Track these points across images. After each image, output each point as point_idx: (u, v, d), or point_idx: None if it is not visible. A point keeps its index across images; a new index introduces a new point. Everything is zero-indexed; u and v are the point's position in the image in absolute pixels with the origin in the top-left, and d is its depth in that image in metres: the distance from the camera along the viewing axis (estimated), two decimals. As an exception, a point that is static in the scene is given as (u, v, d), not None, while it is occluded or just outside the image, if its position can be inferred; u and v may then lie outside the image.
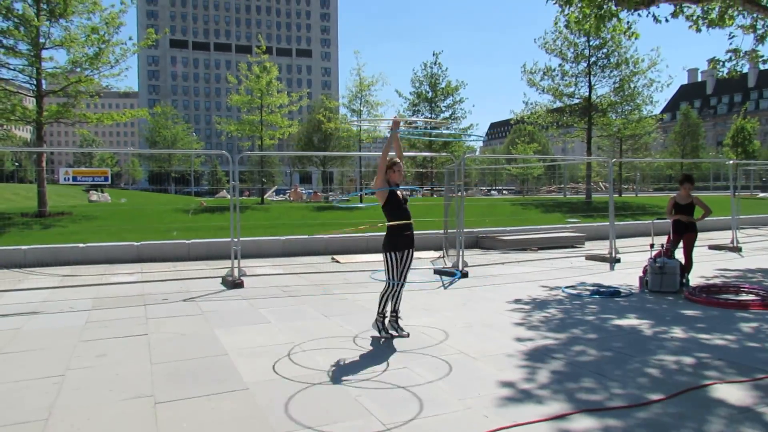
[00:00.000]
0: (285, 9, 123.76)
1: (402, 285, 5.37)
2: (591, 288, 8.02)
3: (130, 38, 17.11)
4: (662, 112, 41.46)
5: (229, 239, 9.44)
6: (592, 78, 26.20)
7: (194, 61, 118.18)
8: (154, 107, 44.53)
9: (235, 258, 8.65)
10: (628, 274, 9.20)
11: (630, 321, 6.06)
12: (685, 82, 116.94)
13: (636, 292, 7.74)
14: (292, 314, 6.56)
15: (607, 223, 11.78)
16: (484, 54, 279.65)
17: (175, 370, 4.50)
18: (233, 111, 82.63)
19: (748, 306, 6.59)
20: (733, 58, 11.50)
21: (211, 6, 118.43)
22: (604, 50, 25.89)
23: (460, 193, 9.86)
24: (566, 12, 10.66)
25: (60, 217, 16.00)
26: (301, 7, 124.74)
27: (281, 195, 47.85)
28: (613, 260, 10.73)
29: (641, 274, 8.00)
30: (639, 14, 10.12)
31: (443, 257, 11.02)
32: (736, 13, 10.63)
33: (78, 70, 16.56)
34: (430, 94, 31.76)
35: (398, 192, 5.34)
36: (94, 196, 31.16)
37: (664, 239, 8.30)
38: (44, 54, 16.24)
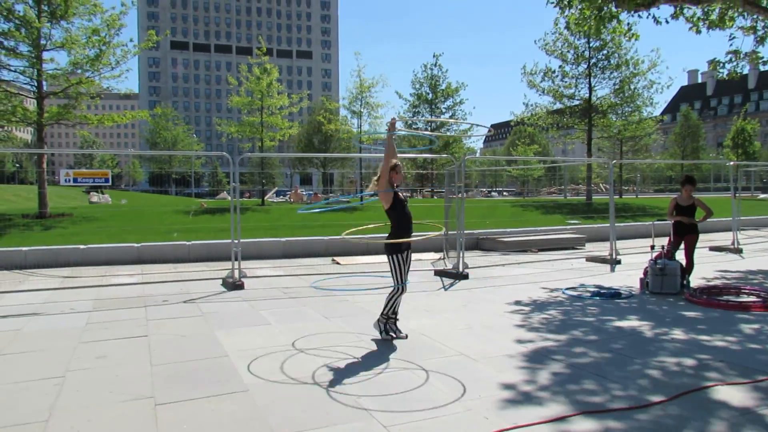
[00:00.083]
0: (285, 11, 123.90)
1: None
2: (591, 289, 8.01)
3: (131, 40, 17.16)
4: (662, 113, 41.57)
5: (229, 240, 9.45)
6: (592, 79, 26.24)
7: (195, 62, 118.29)
8: (154, 109, 44.48)
9: (236, 259, 8.65)
10: (628, 276, 9.19)
11: (630, 322, 6.06)
12: (686, 83, 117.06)
13: (636, 294, 7.73)
14: (293, 316, 6.56)
15: (608, 225, 11.78)
16: (484, 55, 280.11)
17: (176, 371, 4.50)
18: (234, 112, 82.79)
19: (749, 307, 6.58)
20: (733, 59, 11.50)
21: (211, 8, 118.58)
22: (605, 52, 25.93)
23: (460, 195, 9.86)
24: (566, 14, 10.67)
25: (60, 219, 16.02)
26: (301, 9, 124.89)
27: (282, 196, 47.87)
28: (613, 262, 10.73)
29: (642, 276, 8.00)
30: (639, 16, 10.12)
31: (444, 259, 11.02)
32: (736, 14, 10.64)
33: (79, 71, 16.60)
34: (431, 95, 31.78)
35: (399, 194, 5.38)
36: (95, 197, 31.18)
37: (664, 241, 8.29)
38: (45, 55, 16.28)
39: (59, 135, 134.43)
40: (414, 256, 9.70)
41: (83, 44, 16.18)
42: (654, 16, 10.10)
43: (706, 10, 10.57)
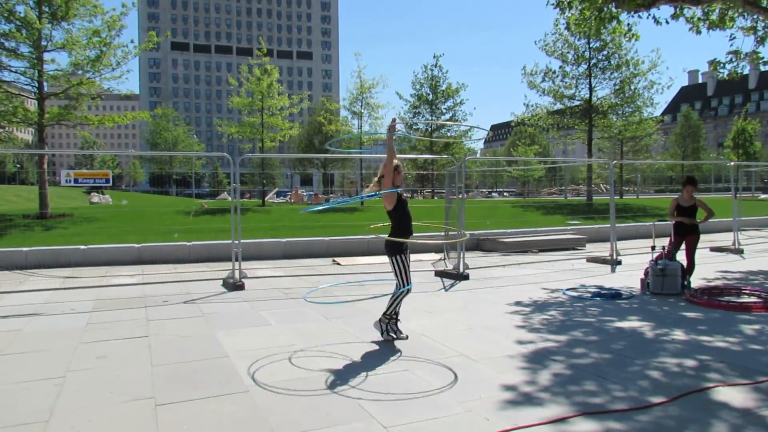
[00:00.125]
0: (286, 11, 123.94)
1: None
2: (592, 290, 8.01)
3: (132, 41, 17.15)
4: (663, 113, 41.57)
5: (230, 241, 9.45)
6: (592, 80, 26.23)
7: (195, 63, 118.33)
8: (155, 109, 44.57)
9: (236, 260, 8.65)
10: (629, 276, 9.19)
11: (631, 323, 6.05)
12: (686, 83, 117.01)
13: (637, 294, 7.72)
14: (293, 316, 6.56)
15: (608, 225, 11.78)
16: (484, 56, 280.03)
17: (176, 372, 4.50)
18: (234, 113, 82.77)
19: (750, 308, 6.58)
20: (733, 59, 11.49)
21: (212, 8, 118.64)
22: (605, 52, 25.92)
23: (461, 196, 9.86)
24: (566, 14, 10.67)
25: (61, 219, 16.02)
26: (301, 10, 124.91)
27: (282, 197, 47.88)
28: (614, 262, 10.73)
29: (642, 276, 7.99)
30: (639, 16, 10.12)
31: (444, 259, 11.02)
32: (736, 14, 10.63)
33: (79, 72, 16.61)
34: (431, 96, 31.82)
35: (401, 194, 5.41)
36: (96, 197, 31.18)
37: (665, 241, 8.28)
38: (46, 56, 16.28)
39: (60, 136, 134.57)
40: (414, 256, 9.73)
41: (84, 45, 16.19)
42: (654, 17, 10.11)
43: (706, 10, 10.57)
